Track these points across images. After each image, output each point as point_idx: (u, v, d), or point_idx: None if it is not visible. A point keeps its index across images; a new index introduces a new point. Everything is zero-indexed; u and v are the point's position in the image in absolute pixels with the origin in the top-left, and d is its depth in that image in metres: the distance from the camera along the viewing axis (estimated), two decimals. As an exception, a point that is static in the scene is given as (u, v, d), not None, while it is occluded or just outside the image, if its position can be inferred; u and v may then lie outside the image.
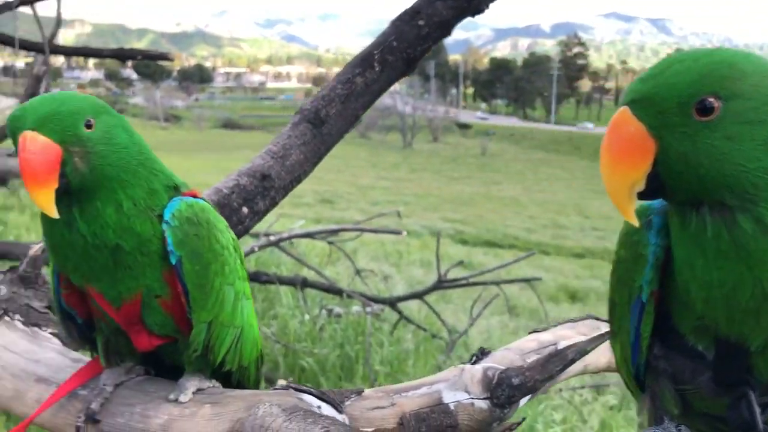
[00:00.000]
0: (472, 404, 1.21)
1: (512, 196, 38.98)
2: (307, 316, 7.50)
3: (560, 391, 7.19)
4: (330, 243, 7.48)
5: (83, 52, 7.28)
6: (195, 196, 1.20)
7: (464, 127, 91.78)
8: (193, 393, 1.18)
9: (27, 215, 13.68)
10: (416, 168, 53.73)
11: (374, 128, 74.84)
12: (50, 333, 1.40)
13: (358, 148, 61.17)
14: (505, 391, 1.22)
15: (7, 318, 1.38)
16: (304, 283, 7.03)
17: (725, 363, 0.82)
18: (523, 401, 1.31)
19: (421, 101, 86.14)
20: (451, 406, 1.19)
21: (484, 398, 1.22)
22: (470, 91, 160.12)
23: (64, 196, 1.05)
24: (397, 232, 5.72)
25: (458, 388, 1.22)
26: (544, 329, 1.50)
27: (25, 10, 5.25)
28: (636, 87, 0.74)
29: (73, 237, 1.09)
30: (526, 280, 7.56)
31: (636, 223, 0.76)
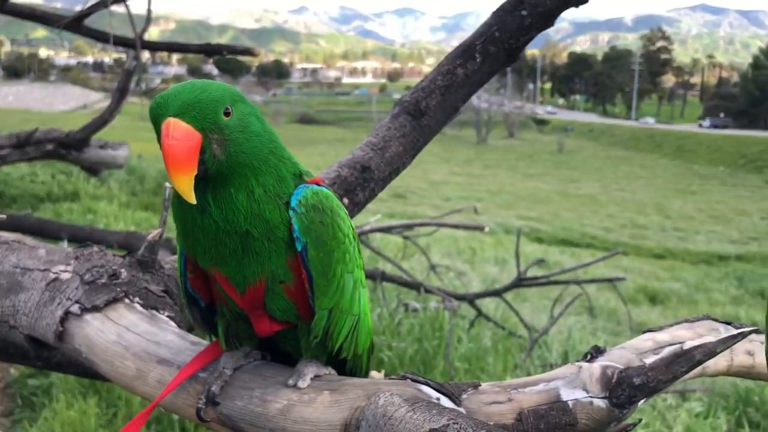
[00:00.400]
0: (591, 403, 1.17)
1: (590, 194, 38.08)
2: (384, 310, 7.54)
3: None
4: (405, 238, 7.49)
5: (172, 47, 7.54)
6: (318, 184, 1.21)
7: (541, 122, 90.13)
8: (311, 379, 1.19)
9: (115, 205, 14.31)
10: (490, 164, 53.19)
11: (448, 123, 74.62)
12: (167, 316, 1.45)
13: (432, 143, 60.38)
14: (626, 391, 1.18)
15: (127, 300, 1.43)
16: (383, 277, 7.06)
17: None
18: (641, 402, 1.26)
19: (497, 96, 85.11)
20: (570, 404, 1.16)
21: (603, 397, 1.18)
22: (548, 86, 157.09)
23: (200, 182, 1.07)
24: (480, 228, 5.66)
25: (576, 386, 1.19)
26: (660, 329, 1.45)
27: (115, 7, 5.46)
28: None
29: (205, 222, 1.11)
30: (609, 280, 7.34)
31: None
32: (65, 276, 1.44)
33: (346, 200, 1.99)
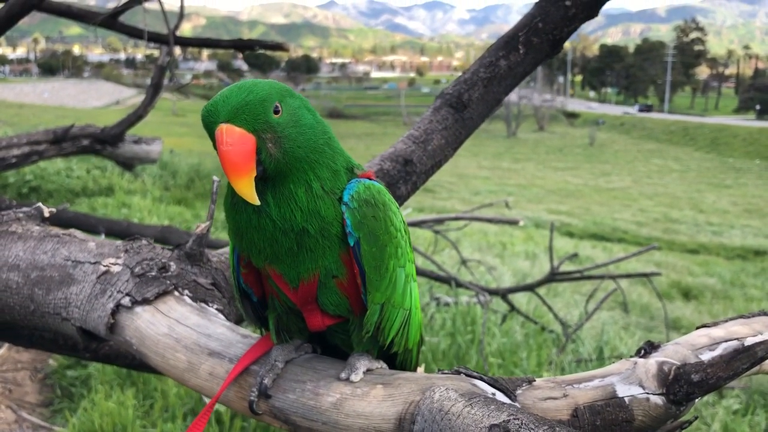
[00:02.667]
0: (648, 399, 1.15)
1: (621, 188, 37.55)
2: (417, 304, 7.53)
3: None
4: (436, 232, 7.46)
5: (204, 43, 7.58)
6: (370, 178, 1.20)
7: (572, 116, 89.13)
8: (364, 373, 1.18)
9: (149, 200, 14.51)
10: (520, 158, 52.76)
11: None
12: (216, 309, 1.45)
13: (461, 138, 60.69)
14: (683, 387, 1.15)
15: (177, 293, 1.44)
16: (417, 271, 7.05)
17: None
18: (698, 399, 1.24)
19: (527, 89, 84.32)
20: (626, 400, 1.14)
21: (660, 394, 1.16)
22: (578, 78, 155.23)
23: (258, 183, 1.08)
24: (515, 222, 5.61)
25: (632, 382, 1.16)
26: (714, 324, 1.41)
27: (148, 4, 5.50)
28: None
29: (262, 222, 1.12)
30: (645, 275, 7.23)
31: None
32: (116, 269, 1.45)
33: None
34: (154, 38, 5.97)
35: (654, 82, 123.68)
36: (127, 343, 1.40)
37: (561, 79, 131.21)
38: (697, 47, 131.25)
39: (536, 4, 2.14)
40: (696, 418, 1.29)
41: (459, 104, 2.09)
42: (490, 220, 6.10)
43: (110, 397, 5.41)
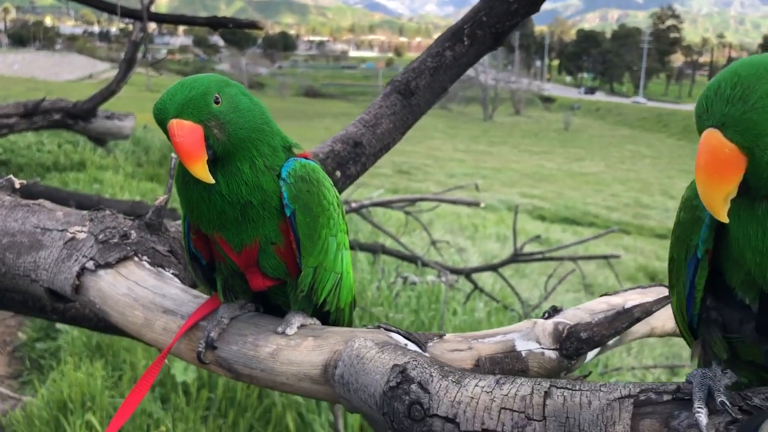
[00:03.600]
0: (543, 354, 1.34)
1: (594, 173, 38.06)
2: (383, 282, 7.73)
3: (633, 369, 7.18)
4: (407, 213, 7.63)
5: (179, 19, 7.61)
6: (306, 158, 1.37)
7: (547, 100, 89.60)
8: (298, 328, 1.36)
9: (121, 175, 14.48)
10: (496, 141, 53.05)
11: (455, 99, 73.96)
12: (172, 273, 1.61)
13: (437, 120, 60.82)
14: (574, 343, 1.34)
15: (136, 258, 1.60)
16: (383, 250, 7.23)
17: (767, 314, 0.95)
18: (591, 355, 1.43)
19: (504, 73, 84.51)
20: (523, 354, 1.32)
21: (554, 349, 1.34)
22: (555, 63, 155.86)
23: (209, 164, 1.25)
24: (476, 204, 5.80)
25: (530, 338, 1.35)
26: (615, 293, 1.61)
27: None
28: (723, 110, 0.83)
29: (212, 197, 1.29)
30: (604, 257, 7.49)
31: (726, 220, 0.87)
32: (81, 236, 1.61)
33: (339, 173, 2.15)
34: (128, 13, 6.01)
35: (630, 69, 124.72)
36: (91, 303, 1.55)
37: (538, 63, 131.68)
38: (672, 35, 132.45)
39: (481, -1, 2.30)
40: (590, 372, 1.48)
41: (407, 91, 2.25)
42: (453, 202, 6.29)
43: (79, 368, 5.52)
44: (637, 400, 0.95)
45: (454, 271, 7.18)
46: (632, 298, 1.55)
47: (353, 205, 6.52)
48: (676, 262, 1.05)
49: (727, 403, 0.91)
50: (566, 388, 0.99)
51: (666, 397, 0.95)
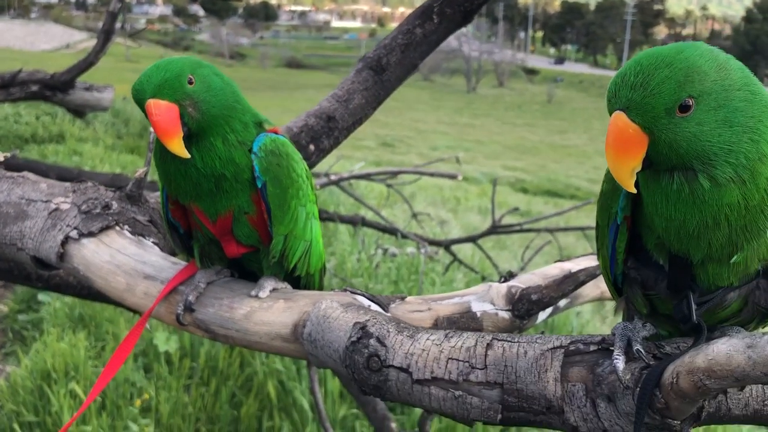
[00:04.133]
0: (496, 314, 1.46)
1: (577, 146, 38.28)
2: (363, 254, 7.86)
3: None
4: (388, 186, 7.72)
5: (158, -10, 7.53)
6: (276, 133, 1.46)
7: (531, 72, 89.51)
8: (270, 291, 1.47)
9: (101, 147, 14.39)
10: (479, 113, 53.03)
11: (438, 71, 73.61)
12: (152, 242, 1.71)
13: (421, 91, 60.61)
14: (525, 305, 1.46)
15: (118, 228, 1.69)
16: (363, 222, 7.32)
17: (676, 272, 1.08)
18: (542, 316, 1.55)
19: (488, 44, 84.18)
20: (478, 314, 1.44)
21: (507, 310, 1.47)
22: (539, 35, 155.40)
23: (185, 139, 1.35)
24: (453, 176, 5.91)
25: (485, 300, 1.47)
26: (568, 259, 1.72)
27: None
28: (628, 95, 0.95)
29: (188, 170, 1.39)
30: (581, 229, 7.64)
31: (634, 191, 1.00)
32: (65, 206, 1.69)
33: (312, 146, 2.24)
34: (105, -17, 5.96)
35: (613, 41, 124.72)
36: (75, 270, 1.65)
37: (522, 34, 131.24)
38: (656, 7, 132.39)
39: (451, -23, 2.38)
40: (542, 332, 1.60)
41: (378, 67, 2.34)
42: (431, 174, 6.40)
43: (62, 339, 5.60)
44: (567, 350, 1.07)
45: (434, 243, 7.30)
46: (583, 264, 1.67)
47: (334, 177, 6.60)
48: (600, 228, 1.18)
49: (642, 351, 1.03)
50: (506, 340, 1.11)
51: (592, 348, 1.07)
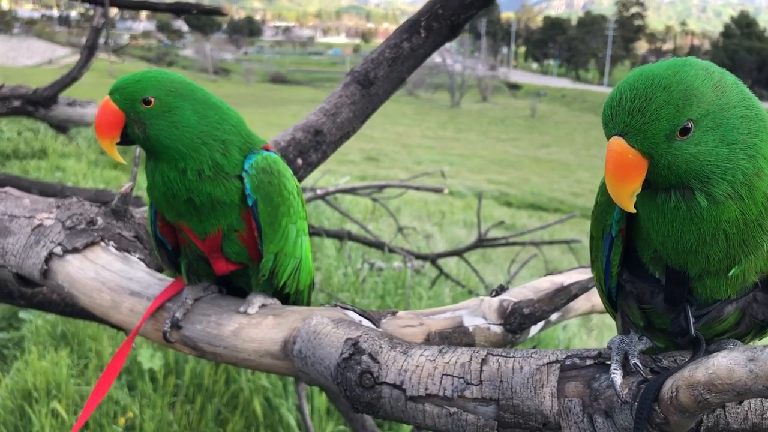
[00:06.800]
0: (488, 328, 1.44)
1: (560, 160, 38.50)
2: (349, 268, 7.82)
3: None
4: (374, 200, 7.70)
5: (141, 5, 7.50)
6: (268, 150, 1.44)
7: (514, 87, 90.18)
8: (259, 307, 1.44)
9: (84, 163, 14.26)
10: (463, 128, 53.24)
11: (422, 86, 73.96)
12: (138, 258, 1.68)
13: (405, 106, 60.80)
14: (517, 319, 1.44)
15: (103, 244, 1.66)
16: (349, 237, 7.30)
17: (673, 286, 1.07)
18: (534, 329, 1.53)
19: (471, 59, 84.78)
20: (470, 329, 1.42)
21: (499, 324, 1.45)
22: (522, 50, 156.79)
23: (150, 158, 1.35)
24: (439, 190, 5.91)
25: (477, 315, 1.45)
26: (559, 272, 1.72)
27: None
28: (626, 120, 0.95)
29: (167, 191, 1.38)
30: (566, 242, 7.66)
31: (634, 211, 1.00)
32: (48, 222, 1.66)
33: (300, 161, 2.22)
34: (89, -1, 5.94)
35: (595, 56, 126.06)
36: (60, 287, 1.61)
37: (505, 50, 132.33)
38: (637, 22, 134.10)
39: (438, -9, 2.38)
40: (534, 346, 1.59)
41: (366, 81, 2.33)
42: (417, 188, 6.40)
43: (44, 357, 5.50)
44: (564, 365, 1.05)
45: (420, 257, 7.29)
46: (574, 277, 1.66)
47: (319, 192, 6.58)
48: (595, 240, 1.17)
49: (639, 365, 1.02)
50: (501, 356, 1.09)
51: (589, 362, 1.06)
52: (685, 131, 0.94)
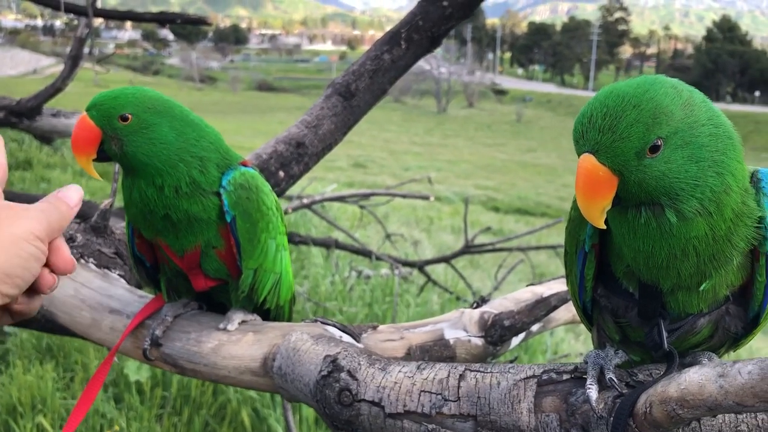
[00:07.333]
0: (469, 341, 1.44)
1: (546, 164, 38.70)
2: (337, 277, 7.81)
3: (581, 354, 7.42)
4: (361, 207, 7.71)
5: (125, 15, 7.49)
6: (246, 165, 1.44)
7: (500, 92, 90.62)
8: (239, 324, 1.44)
9: (69, 173, 14.17)
10: (450, 134, 53.41)
11: (409, 92, 74.20)
12: (118, 274, 1.67)
13: (392, 113, 60.94)
14: (498, 331, 1.45)
15: (83, 261, 1.65)
16: (336, 245, 7.29)
17: (646, 300, 1.08)
18: (515, 341, 1.54)
19: (457, 65, 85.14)
20: (451, 341, 1.43)
21: (480, 336, 1.45)
22: (507, 56, 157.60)
23: (128, 174, 1.34)
24: (425, 197, 5.93)
25: (458, 327, 1.45)
26: (540, 283, 1.72)
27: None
28: (596, 138, 0.95)
29: (143, 208, 1.37)
30: (552, 247, 7.70)
31: (604, 227, 1.01)
32: (27, 240, 1.65)
33: (282, 173, 2.22)
34: (72, 9, 5.91)
35: (580, 60, 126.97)
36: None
37: (490, 56, 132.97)
38: (621, 27, 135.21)
39: (418, 3, 2.40)
40: (515, 357, 1.60)
41: (347, 93, 2.33)
42: (404, 196, 6.41)
43: (29, 371, 5.46)
44: (540, 380, 1.06)
45: (407, 264, 7.30)
46: (554, 287, 1.66)
47: (306, 200, 6.57)
48: (569, 254, 1.18)
49: (615, 380, 1.03)
50: (479, 371, 1.10)
51: (565, 377, 1.06)
52: (654, 149, 0.95)
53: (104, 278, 1.61)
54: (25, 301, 0.94)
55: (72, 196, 0.99)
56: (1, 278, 0.84)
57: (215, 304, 1.56)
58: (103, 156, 1.36)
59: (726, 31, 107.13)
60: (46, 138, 7.24)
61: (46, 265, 0.93)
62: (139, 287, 1.68)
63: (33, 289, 0.94)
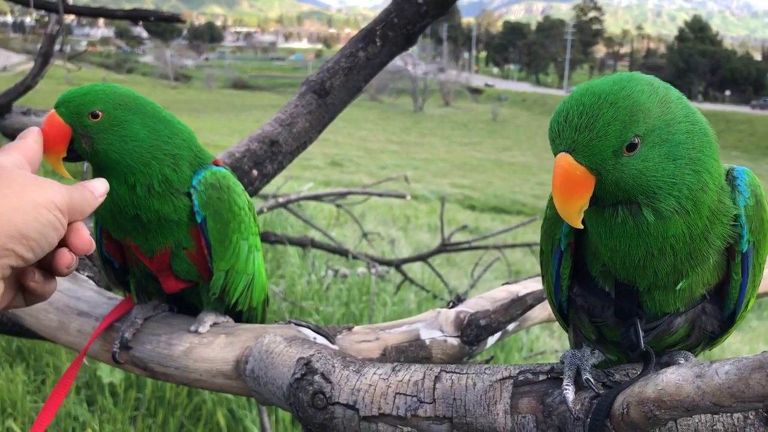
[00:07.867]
0: (445, 341, 1.43)
1: (522, 163, 38.94)
2: (313, 276, 7.77)
3: (556, 351, 7.46)
4: (338, 206, 7.67)
5: (97, 12, 7.37)
6: (217, 165, 1.41)
7: (476, 91, 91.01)
8: (210, 326, 1.41)
9: (41, 172, 13.89)
10: (426, 132, 53.52)
11: (385, 91, 74.21)
12: (87, 276, 1.63)
13: (368, 111, 60.92)
14: (474, 330, 1.44)
15: (49, 262, 1.60)
16: (312, 244, 7.25)
17: (622, 299, 1.07)
18: (491, 340, 1.53)
19: (433, 64, 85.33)
20: (427, 342, 1.41)
21: (456, 336, 1.44)
22: (483, 55, 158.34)
23: (97, 171, 1.29)
24: (402, 196, 5.91)
25: (434, 327, 1.44)
26: (515, 281, 1.71)
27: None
28: (573, 137, 0.94)
29: (112, 207, 1.32)
30: (528, 245, 7.74)
31: (581, 227, 0.99)
32: (-9, 241, 1.60)
33: (255, 171, 2.18)
34: (42, 5, 5.79)
35: (554, 60, 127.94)
36: (4, 307, 1.55)
37: (466, 55, 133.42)
38: (595, 26, 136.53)
39: (393, 1, 2.37)
40: (492, 357, 1.59)
41: (322, 91, 2.31)
42: (380, 194, 6.39)
43: (-2, 373, 5.36)
44: (517, 381, 1.04)
45: (384, 263, 7.28)
46: (530, 286, 1.66)
47: (282, 199, 6.52)
48: (544, 254, 1.16)
49: (591, 380, 1.02)
50: (454, 372, 1.08)
51: (542, 377, 1.05)
52: (632, 147, 0.94)
53: (72, 280, 1.57)
54: (40, 280, 0.96)
55: (98, 186, 1.01)
56: (17, 238, 0.84)
57: (186, 305, 1.53)
58: (73, 155, 1.31)
59: (697, 31, 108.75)
60: (16, 136, 7.08)
61: (66, 245, 0.93)
62: (108, 289, 1.64)
63: (50, 270, 0.95)
